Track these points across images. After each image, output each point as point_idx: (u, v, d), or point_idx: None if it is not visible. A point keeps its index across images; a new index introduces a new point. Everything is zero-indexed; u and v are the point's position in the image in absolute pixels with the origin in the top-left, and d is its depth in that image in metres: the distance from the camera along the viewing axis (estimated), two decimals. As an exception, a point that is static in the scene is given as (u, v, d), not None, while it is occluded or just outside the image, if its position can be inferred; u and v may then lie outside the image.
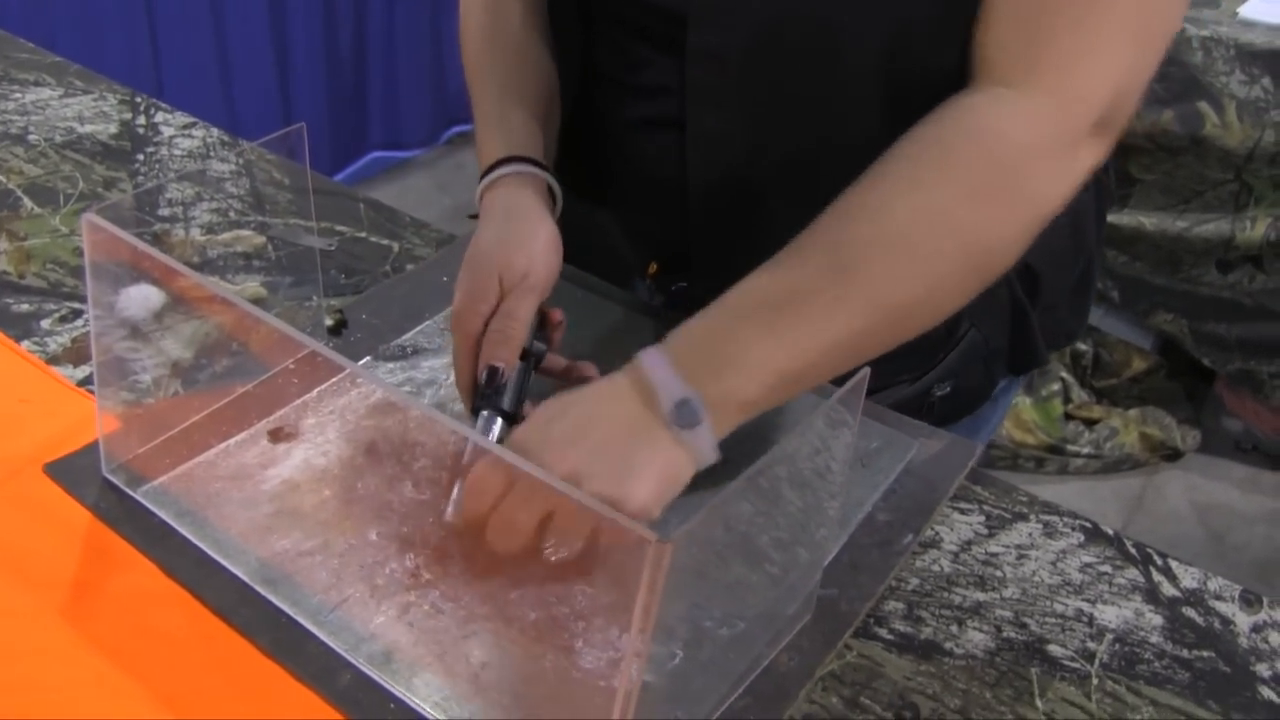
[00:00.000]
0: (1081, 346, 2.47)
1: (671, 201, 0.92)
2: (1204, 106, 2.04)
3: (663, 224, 0.95)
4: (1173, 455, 2.40)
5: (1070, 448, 2.37)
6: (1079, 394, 2.46)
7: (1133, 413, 2.42)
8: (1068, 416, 2.42)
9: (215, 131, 1.28)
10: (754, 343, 0.67)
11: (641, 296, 1.01)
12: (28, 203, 1.13)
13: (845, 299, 0.68)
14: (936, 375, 0.95)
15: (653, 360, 0.68)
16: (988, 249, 0.70)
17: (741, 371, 0.67)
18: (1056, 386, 2.43)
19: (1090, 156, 0.71)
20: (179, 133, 1.27)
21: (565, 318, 0.86)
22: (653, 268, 0.99)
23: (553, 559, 0.67)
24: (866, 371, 0.63)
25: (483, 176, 0.87)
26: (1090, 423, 2.41)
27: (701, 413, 0.66)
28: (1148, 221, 2.19)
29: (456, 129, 3.48)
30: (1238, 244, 2.13)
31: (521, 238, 0.82)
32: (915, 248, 0.68)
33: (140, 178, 1.18)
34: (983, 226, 0.69)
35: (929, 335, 0.93)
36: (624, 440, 0.66)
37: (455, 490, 0.74)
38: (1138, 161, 2.15)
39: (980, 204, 0.68)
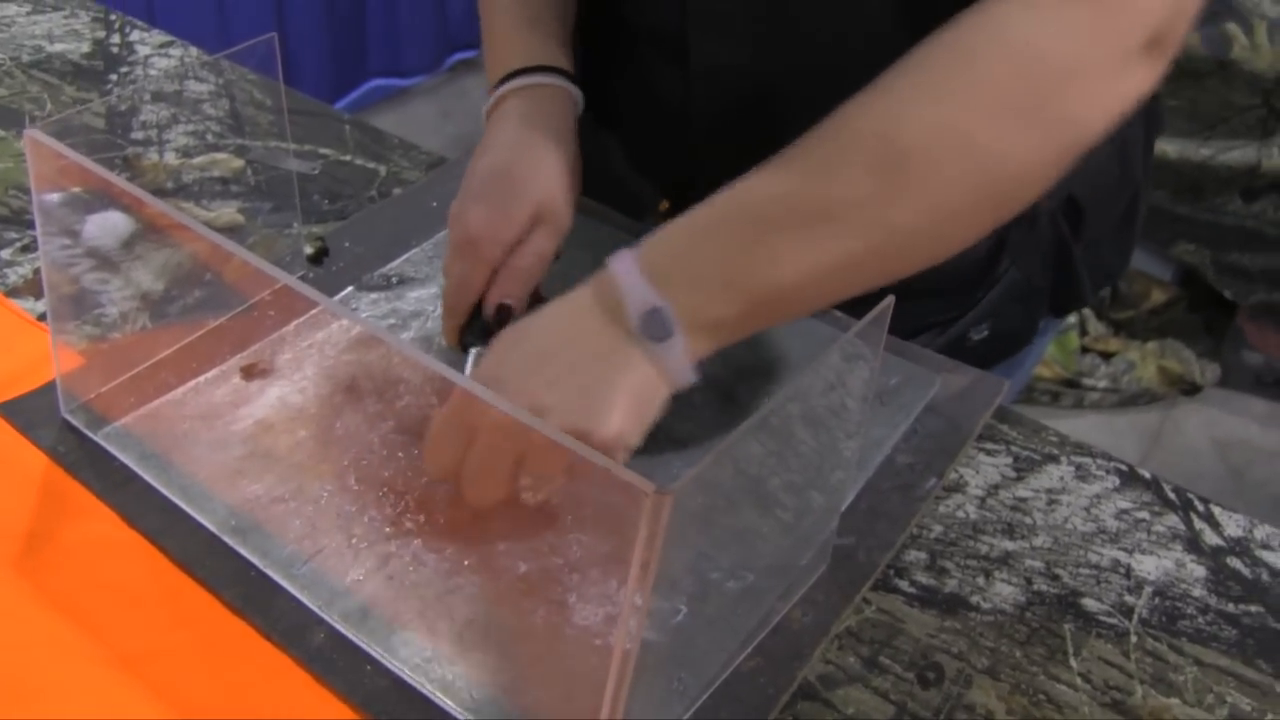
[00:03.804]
0: (1099, 278, 2.40)
1: (679, 135, 0.86)
2: (1232, 28, 1.95)
3: (671, 158, 0.89)
4: (1191, 389, 2.34)
5: (1086, 381, 2.32)
6: (1096, 326, 2.39)
7: (1151, 346, 2.36)
8: (1084, 349, 2.36)
9: (194, 51, 1.21)
10: (731, 257, 0.61)
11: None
12: (-8, 125, 1.06)
13: (837, 219, 0.60)
14: (973, 318, 0.88)
15: (623, 265, 0.61)
16: (1008, 178, 0.62)
17: (715, 287, 0.61)
18: (1073, 319, 2.36)
19: (1140, 79, 0.62)
20: (155, 52, 1.20)
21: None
22: (664, 204, 0.93)
23: (533, 503, 0.61)
24: (890, 300, 0.57)
25: (504, 80, 0.80)
26: (1107, 356, 2.35)
27: (673, 323, 0.60)
28: (1170, 149, 2.11)
29: (459, 55, 3.39)
30: (1264, 172, 2.06)
31: (558, 168, 0.75)
32: (923, 169, 0.59)
33: (114, 100, 1.11)
34: (1005, 152, 0.60)
35: (964, 274, 0.86)
36: (588, 363, 0.60)
37: None
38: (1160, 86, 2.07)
39: (1004, 125, 0.60)
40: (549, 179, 0.75)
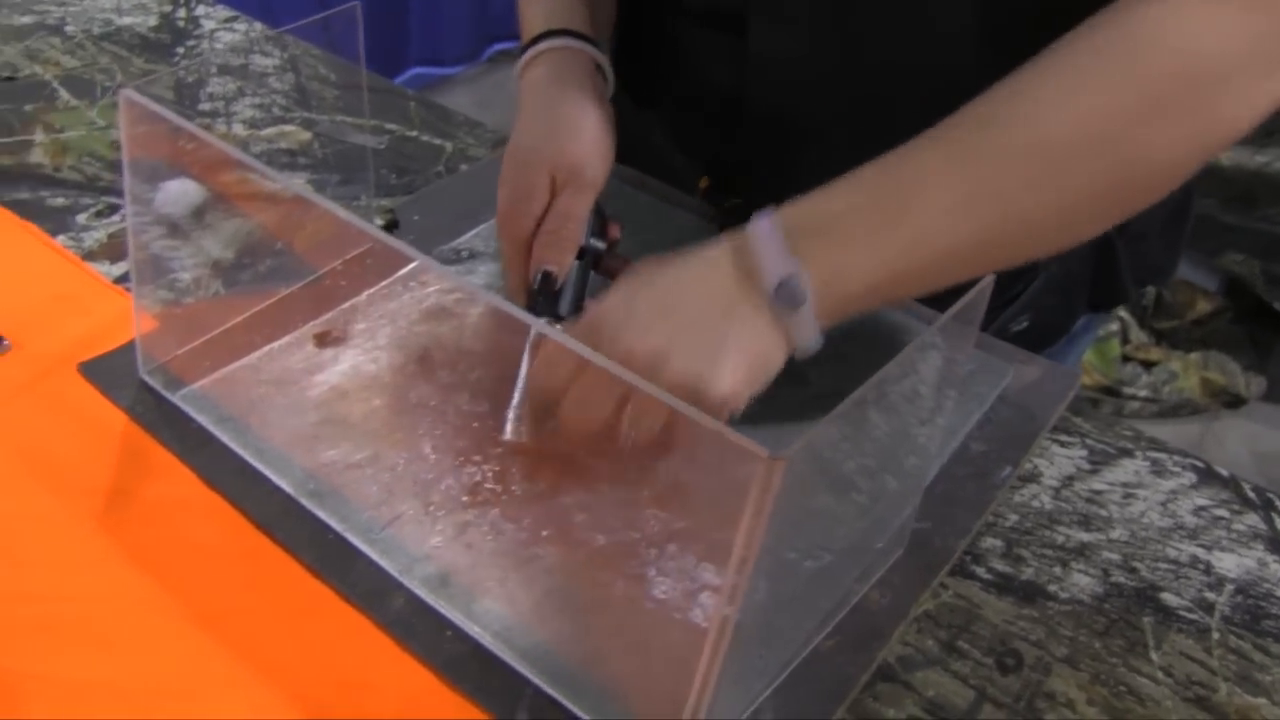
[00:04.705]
0: (1143, 286, 2.38)
1: (727, 119, 0.85)
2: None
3: (718, 140, 0.89)
4: (1235, 402, 2.32)
5: (1127, 390, 2.30)
6: (1138, 335, 2.38)
7: (1194, 356, 2.33)
8: (1125, 358, 2.34)
9: (259, 26, 1.22)
10: (870, 236, 0.61)
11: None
12: (64, 94, 1.07)
13: (975, 203, 0.60)
14: (1014, 310, 0.87)
15: (763, 229, 0.61)
16: (1149, 174, 0.61)
17: (852, 263, 0.61)
18: (1115, 326, 2.35)
19: None
20: (220, 26, 1.21)
21: (623, 231, 0.79)
22: (704, 182, 0.93)
23: (629, 444, 0.61)
24: (990, 280, 0.57)
25: (530, 45, 0.80)
26: (1148, 365, 2.33)
27: (806, 294, 0.60)
28: (1223, 156, 2.09)
29: (498, 46, 3.39)
30: (1320, 182, 2.04)
31: (572, 125, 0.75)
32: (1064, 158, 0.59)
33: (181, 72, 1.12)
34: (1153, 146, 0.60)
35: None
36: (714, 319, 0.60)
37: (512, 406, 0.68)
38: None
39: (1157, 121, 0.59)
40: (565, 141, 0.75)
